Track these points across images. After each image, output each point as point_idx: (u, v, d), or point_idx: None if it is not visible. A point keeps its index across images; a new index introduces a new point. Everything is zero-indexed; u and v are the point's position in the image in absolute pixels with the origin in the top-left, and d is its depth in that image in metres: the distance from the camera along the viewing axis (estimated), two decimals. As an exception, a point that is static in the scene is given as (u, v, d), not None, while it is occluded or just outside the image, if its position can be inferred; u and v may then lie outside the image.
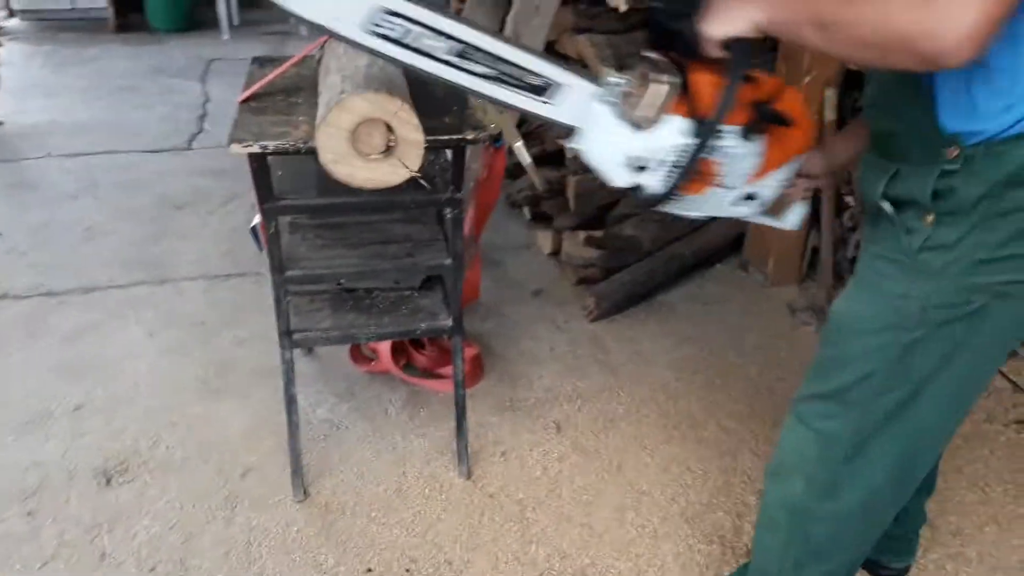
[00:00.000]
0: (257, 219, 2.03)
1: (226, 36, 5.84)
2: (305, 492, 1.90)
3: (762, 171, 1.17)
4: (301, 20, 1.16)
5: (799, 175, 1.28)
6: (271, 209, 1.67)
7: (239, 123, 1.62)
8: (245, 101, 1.73)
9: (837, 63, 2.45)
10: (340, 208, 1.88)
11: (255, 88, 1.76)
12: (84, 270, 2.83)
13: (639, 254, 2.71)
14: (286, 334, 1.80)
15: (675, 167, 1.12)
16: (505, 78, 1.18)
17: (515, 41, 1.21)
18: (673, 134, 1.10)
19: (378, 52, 1.16)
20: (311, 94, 1.78)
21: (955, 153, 1.01)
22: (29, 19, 6.18)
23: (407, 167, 1.42)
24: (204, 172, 3.63)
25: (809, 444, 1.27)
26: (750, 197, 1.20)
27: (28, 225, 3.14)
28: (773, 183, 1.21)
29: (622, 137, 1.14)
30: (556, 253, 2.88)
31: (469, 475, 1.97)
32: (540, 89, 1.19)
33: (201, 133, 4.16)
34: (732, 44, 1.05)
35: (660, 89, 1.09)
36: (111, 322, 2.55)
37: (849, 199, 2.61)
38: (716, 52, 1.07)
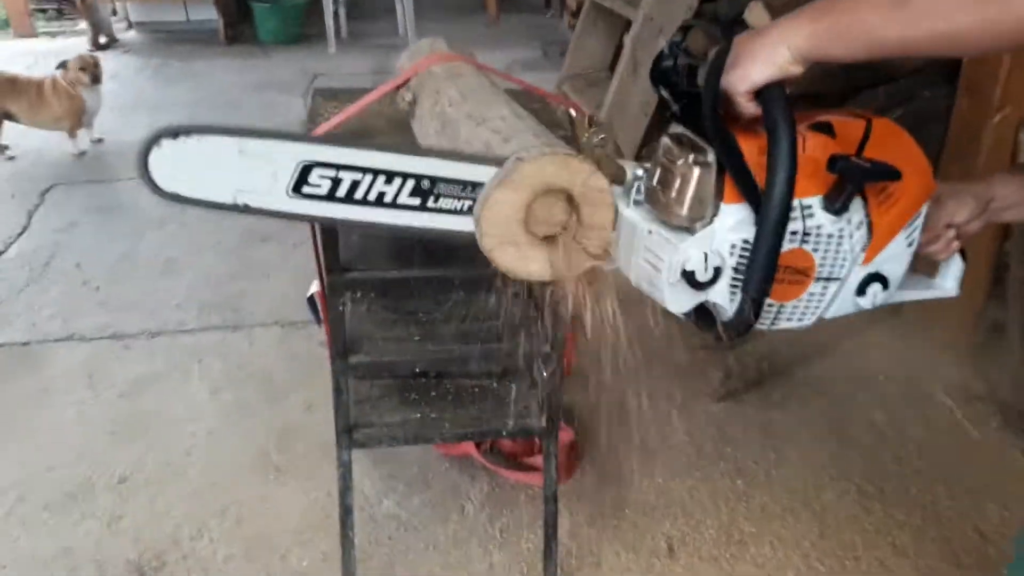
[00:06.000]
0: (314, 287, 1.73)
1: (332, 49, 5.68)
2: (358, 621, 1.58)
3: (878, 243, 0.86)
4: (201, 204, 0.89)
5: (946, 225, 0.97)
6: (337, 283, 1.36)
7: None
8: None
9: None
10: (419, 283, 1.54)
11: (322, 130, 1.44)
12: (155, 310, 2.63)
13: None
14: (345, 432, 1.48)
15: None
16: None
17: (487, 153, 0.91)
18: (731, 230, 0.80)
19: (314, 217, 0.91)
20: (394, 138, 1.45)
21: None
22: (145, 31, 6.25)
23: (591, 254, 0.95)
24: (293, 199, 3.40)
25: None
26: (877, 280, 0.87)
27: (108, 256, 2.99)
28: (901, 252, 0.88)
29: (666, 247, 0.82)
30: (673, 310, 2.47)
31: (558, 607, 1.61)
32: None
33: (296, 154, 3.96)
34: (764, 93, 0.78)
35: (698, 174, 0.80)
36: (174, 374, 2.32)
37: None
38: (751, 109, 0.79)
